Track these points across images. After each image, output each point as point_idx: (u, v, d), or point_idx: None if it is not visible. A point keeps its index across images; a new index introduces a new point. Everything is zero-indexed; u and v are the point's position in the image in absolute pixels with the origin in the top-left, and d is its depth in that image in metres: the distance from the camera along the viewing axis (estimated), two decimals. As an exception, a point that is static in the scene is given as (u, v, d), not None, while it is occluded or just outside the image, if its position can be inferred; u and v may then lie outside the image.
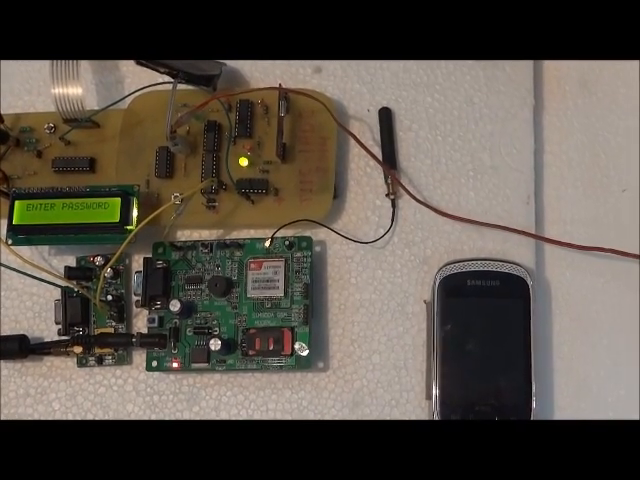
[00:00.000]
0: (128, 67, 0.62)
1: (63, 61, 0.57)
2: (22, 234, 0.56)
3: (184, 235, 0.59)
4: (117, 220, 0.55)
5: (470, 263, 0.55)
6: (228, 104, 0.58)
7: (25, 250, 0.58)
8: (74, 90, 0.57)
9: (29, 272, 0.56)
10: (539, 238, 0.56)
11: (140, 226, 0.54)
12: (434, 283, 0.55)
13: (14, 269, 0.56)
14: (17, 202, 0.56)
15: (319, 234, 0.58)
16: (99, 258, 0.57)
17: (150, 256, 0.57)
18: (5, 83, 0.63)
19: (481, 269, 0.55)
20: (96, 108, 0.60)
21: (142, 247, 0.57)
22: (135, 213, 0.55)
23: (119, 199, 0.55)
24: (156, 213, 0.54)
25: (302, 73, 0.60)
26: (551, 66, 0.60)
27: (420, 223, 0.57)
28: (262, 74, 0.61)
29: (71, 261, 0.59)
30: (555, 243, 0.56)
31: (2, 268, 0.57)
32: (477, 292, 0.54)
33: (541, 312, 0.56)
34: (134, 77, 0.62)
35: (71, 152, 0.59)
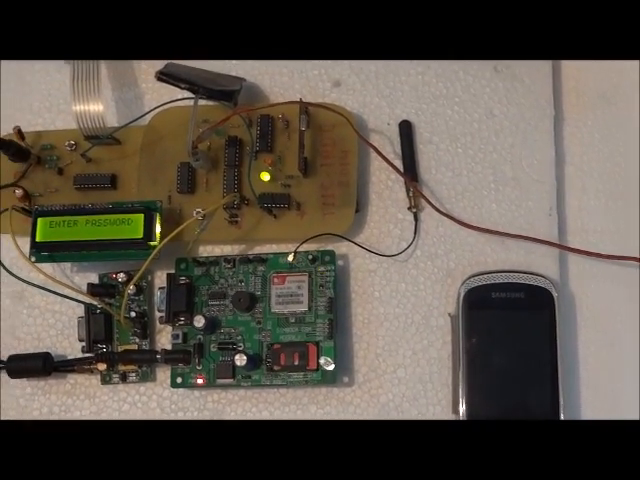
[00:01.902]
0: (147, 84, 0.62)
1: (84, 78, 0.57)
2: (45, 251, 0.56)
3: (206, 250, 0.59)
4: (140, 236, 0.55)
5: (494, 275, 0.55)
6: (249, 119, 0.58)
7: (47, 267, 0.58)
8: (95, 107, 0.57)
9: (52, 289, 0.56)
10: (563, 248, 0.56)
11: (164, 242, 0.54)
12: (458, 296, 0.55)
13: (37, 286, 0.56)
14: (40, 219, 0.56)
15: (341, 248, 0.57)
16: (122, 274, 0.57)
17: (173, 272, 0.57)
18: (25, 101, 0.63)
19: (505, 281, 0.54)
20: (116, 125, 0.60)
21: (164, 263, 0.57)
22: (158, 229, 0.55)
23: (142, 215, 0.55)
24: (180, 229, 0.54)
25: (321, 87, 0.61)
26: (570, 77, 0.60)
27: (443, 236, 0.57)
28: (281, 89, 0.61)
29: (93, 278, 0.59)
30: (579, 253, 0.56)
31: (25, 285, 0.57)
32: (502, 304, 0.54)
33: (566, 323, 0.55)
34: (153, 93, 0.62)
35: (92, 169, 0.59)
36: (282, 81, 0.61)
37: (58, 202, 0.58)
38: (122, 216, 0.55)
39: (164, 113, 0.59)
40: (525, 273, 0.55)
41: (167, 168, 0.58)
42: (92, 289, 0.57)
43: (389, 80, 0.60)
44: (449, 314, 0.56)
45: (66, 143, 0.60)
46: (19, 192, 0.58)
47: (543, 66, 0.59)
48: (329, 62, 0.60)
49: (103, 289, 0.58)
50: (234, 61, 0.61)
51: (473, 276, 0.55)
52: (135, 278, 0.55)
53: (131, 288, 0.57)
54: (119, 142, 0.59)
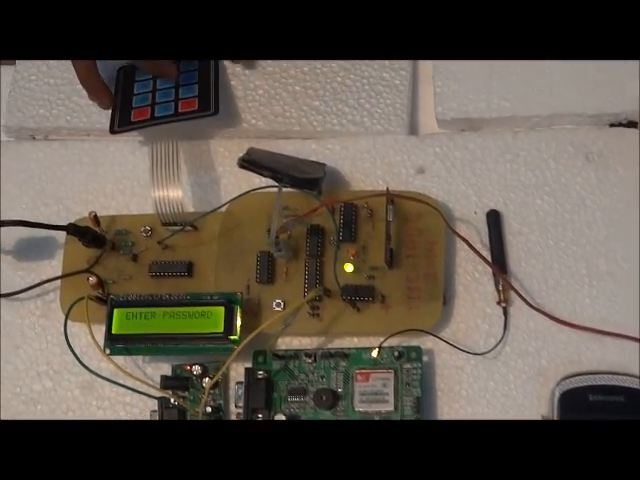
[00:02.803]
0: (224, 167, 0.61)
1: (164, 162, 0.55)
2: (121, 343, 0.54)
3: (284, 342, 0.56)
4: (221, 330, 0.53)
5: (592, 377, 0.52)
6: (332, 207, 0.56)
7: (119, 357, 0.56)
8: (174, 193, 0.55)
9: (123, 383, 0.54)
10: (662, 348, 0.54)
11: (248, 339, 0.51)
12: (552, 397, 0.52)
13: (108, 379, 0.54)
14: (116, 310, 0.54)
15: (426, 343, 0.55)
16: (197, 367, 0.55)
17: (250, 366, 0.55)
18: (98, 183, 0.62)
19: (604, 383, 0.52)
20: (192, 210, 0.58)
21: (240, 354, 0.54)
22: (239, 322, 0.53)
23: (222, 308, 0.53)
24: (265, 325, 0.52)
25: (404, 174, 0.59)
26: (665, 166, 0.58)
27: (534, 332, 0.55)
28: (363, 174, 0.59)
29: (166, 369, 0.56)
30: (678, 353, 0.53)
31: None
32: (600, 408, 0.51)
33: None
34: (230, 177, 0.60)
35: (168, 256, 0.57)
36: (364, 167, 0.59)
37: (132, 290, 0.56)
38: (201, 309, 0.53)
39: (242, 199, 0.57)
40: (624, 375, 0.52)
41: (245, 256, 0.56)
42: (165, 382, 0.55)
43: (475, 168, 0.58)
44: (542, 416, 0.53)
45: (142, 229, 0.58)
46: (93, 280, 0.56)
47: (636, 155, 0.57)
48: (412, 149, 0.59)
49: (177, 382, 0.55)
50: (313, 145, 0.60)
51: (568, 377, 0.52)
52: (215, 377, 0.53)
53: (206, 382, 0.54)
54: (196, 228, 0.58)
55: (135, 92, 0.61)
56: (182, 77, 0.61)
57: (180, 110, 0.59)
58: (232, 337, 0.53)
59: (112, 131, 0.59)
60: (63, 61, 0.64)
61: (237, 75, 0.63)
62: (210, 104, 0.59)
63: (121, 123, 0.59)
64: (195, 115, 0.59)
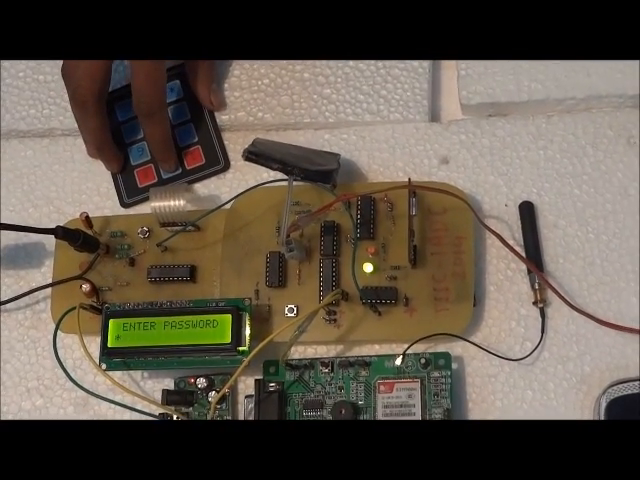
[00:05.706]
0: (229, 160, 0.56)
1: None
2: (118, 358, 0.49)
3: (298, 351, 0.52)
4: (228, 341, 0.48)
5: (641, 384, 0.47)
6: (348, 201, 0.51)
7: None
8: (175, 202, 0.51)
9: (121, 398, 0.50)
10: None
11: (258, 349, 0.46)
12: (598, 407, 0.47)
13: (105, 399, 0.50)
14: (111, 321, 0.49)
15: (455, 348, 0.50)
16: (202, 380, 0.50)
17: (260, 377, 0.50)
18: (91, 182, 0.57)
19: (656, 391, 0.47)
20: (194, 208, 0.54)
21: (250, 365, 0.50)
22: (248, 331, 0.48)
23: (230, 316, 0.48)
24: (276, 334, 0.47)
25: (427, 164, 0.54)
26: None
27: (575, 335, 0.50)
28: (381, 166, 0.54)
29: (168, 382, 0.52)
30: None
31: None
32: (652, 418, 0.46)
33: None
34: (236, 172, 0.56)
35: (168, 259, 0.53)
36: (382, 158, 0.54)
37: (130, 297, 0.52)
38: (206, 317, 0.48)
39: (248, 195, 0.52)
40: (678, 381, 0.47)
41: (253, 258, 0.52)
42: (167, 397, 0.50)
43: (505, 156, 0.53)
44: (587, 429, 0.48)
45: (139, 230, 0.53)
46: (86, 287, 0.51)
47: (683, 138, 0.52)
48: (435, 137, 0.54)
49: (180, 397, 0.51)
50: (326, 135, 0.55)
51: (615, 384, 0.48)
52: (223, 391, 0.48)
53: (212, 396, 0.50)
54: (198, 228, 0.53)
55: (126, 140, 0.57)
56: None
57: (188, 167, 0.56)
58: (241, 348, 0.48)
59: (124, 205, 0.56)
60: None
61: (240, 63, 0.58)
62: (218, 156, 0.56)
63: (129, 192, 0.56)
64: (205, 173, 0.56)
